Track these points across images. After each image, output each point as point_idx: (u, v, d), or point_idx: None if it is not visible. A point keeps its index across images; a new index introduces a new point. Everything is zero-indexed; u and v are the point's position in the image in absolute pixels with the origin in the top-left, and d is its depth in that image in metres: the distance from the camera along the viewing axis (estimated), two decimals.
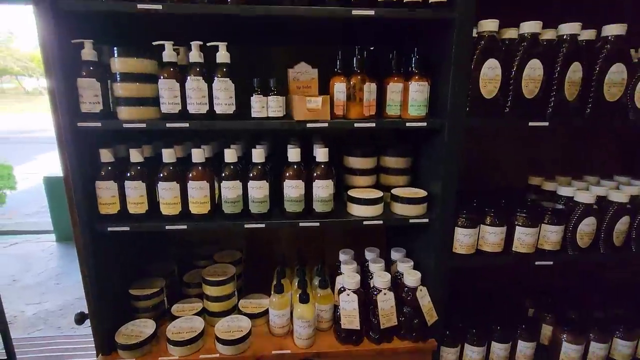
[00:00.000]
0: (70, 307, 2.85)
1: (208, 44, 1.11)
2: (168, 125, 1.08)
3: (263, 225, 1.19)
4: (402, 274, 1.32)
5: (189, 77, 1.08)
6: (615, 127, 1.63)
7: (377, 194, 1.26)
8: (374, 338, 1.29)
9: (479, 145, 1.60)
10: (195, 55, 1.09)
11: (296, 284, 1.38)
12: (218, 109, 1.11)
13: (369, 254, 1.46)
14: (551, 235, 1.27)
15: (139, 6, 0.99)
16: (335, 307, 1.33)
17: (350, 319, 1.24)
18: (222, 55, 1.10)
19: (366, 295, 1.30)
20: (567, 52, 1.14)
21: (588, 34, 1.17)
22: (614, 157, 1.67)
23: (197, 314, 1.34)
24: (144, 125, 1.08)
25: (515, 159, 1.64)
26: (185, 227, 1.16)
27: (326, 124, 1.14)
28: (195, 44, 1.08)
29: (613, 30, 1.15)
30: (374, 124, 1.17)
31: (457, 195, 1.22)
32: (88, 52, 1.06)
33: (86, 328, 1.25)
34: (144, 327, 1.26)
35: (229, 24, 1.21)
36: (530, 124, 1.18)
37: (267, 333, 1.34)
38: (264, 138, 1.42)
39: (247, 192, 1.18)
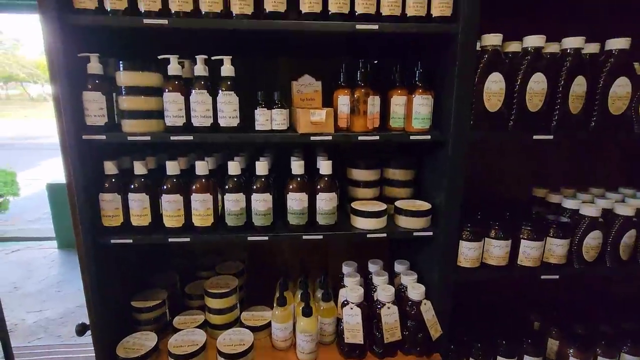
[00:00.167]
0: (71, 315, 2.83)
1: (213, 58, 1.11)
2: (172, 138, 1.08)
3: (266, 238, 1.19)
4: (406, 287, 1.31)
5: (193, 91, 1.09)
6: (620, 141, 1.62)
7: (380, 206, 1.26)
8: (377, 353, 1.27)
9: (483, 158, 1.60)
10: (200, 69, 1.09)
11: (299, 296, 1.37)
12: (222, 122, 1.11)
13: (372, 266, 1.44)
14: (557, 248, 1.26)
15: (145, 21, 1.00)
16: (339, 321, 1.31)
17: (354, 333, 1.23)
18: (227, 69, 1.11)
19: (370, 308, 1.29)
20: (571, 66, 1.14)
21: (592, 48, 1.18)
22: (618, 170, 1.66)
23: (199, 326, 1.33)
24: (148, 138, 1.08)
25: (519, 171, 1.63)
26: (188, 239, 1.16)
27: (330, 137, 1.14)
28: (200, 58, 1.09)
29: (617, 44, 1.15)
30: (377, 137, 1.17)
31: (461, 207, 1.21)
32: (94, 66, 1.06)
33: (86, 337, 1.25)
34: (145, 340, 1.25)
35: (233, 38, 1.22)
36: (535, 137, 1.18)
37: (269, 346, 1.33)
38: (268, 149, 1.42)
39: (250, 204, 1.18)
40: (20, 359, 2.24)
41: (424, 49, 1.31)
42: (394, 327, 1.24)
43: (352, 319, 1.23)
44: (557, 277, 1.28)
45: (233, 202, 1.16)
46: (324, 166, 1.19)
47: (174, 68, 1.09)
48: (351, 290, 1.27)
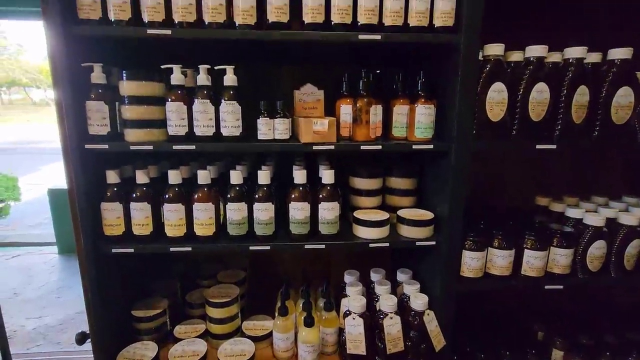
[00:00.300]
0: (70, 322, 2.81)
1: (215, 67, 1.12)
2: (175, 147, 1.08)
3: (268, 248, 1.18)
4: (409, 297, 1.30)
5: (196, 100, 1.09)
6: (623, 150, 1.62)
7: (383, 215, 1.25)
8: None
9: (485, 167, 1.59)
10: (202, 79, 1.10)
11: (301, 305, 1.36)
12: (225, 132, 1.11)
13: (374, 275, 1.43)
14: (560, 258, 1.25)
15: (149, 31, 1.01)
16: (341, 331, 1.30)
17: (356, 343, 1.22)
18: (229, 79, 1.11)
19: (372, 318, 1.28)
20: (574, 76, 1.14)
21: (594, 57, 1.18)
22: (621, 179, 1.65)
23: (200, 336, 1.32)
24: (151, 147, 1.08)
25: (522, 180, 1.62)
26: (190, 249, 1.15)
27: (332, 147, 1.14)
28: (203, 68, 1.09)
29: (619, 53, 1.15)
30: (380, 147, 1.16)
31: (464, 216, 1.20)
32: (97, 75, 1.07)
33: (86, 344, 1.24)
34: (145, 350, 1.24)
35: (236, 48, 1.22)
36: (538, 146, 1.17)
37: (270, 356, 1.31)
38: (270, 158, 1.42)
39: (252, 213, 1.18)
40: None
41: (426, 58, 1.31)
42: (397, 337, 1.23)
43: (355, 329, 1.22)
44: (562, 287, 1.26)
45: (235, 211, 1.16)
46: (327, 175, 1.19)
47: (176, 78, 1.09)
48: (353, 300, 1.26)
